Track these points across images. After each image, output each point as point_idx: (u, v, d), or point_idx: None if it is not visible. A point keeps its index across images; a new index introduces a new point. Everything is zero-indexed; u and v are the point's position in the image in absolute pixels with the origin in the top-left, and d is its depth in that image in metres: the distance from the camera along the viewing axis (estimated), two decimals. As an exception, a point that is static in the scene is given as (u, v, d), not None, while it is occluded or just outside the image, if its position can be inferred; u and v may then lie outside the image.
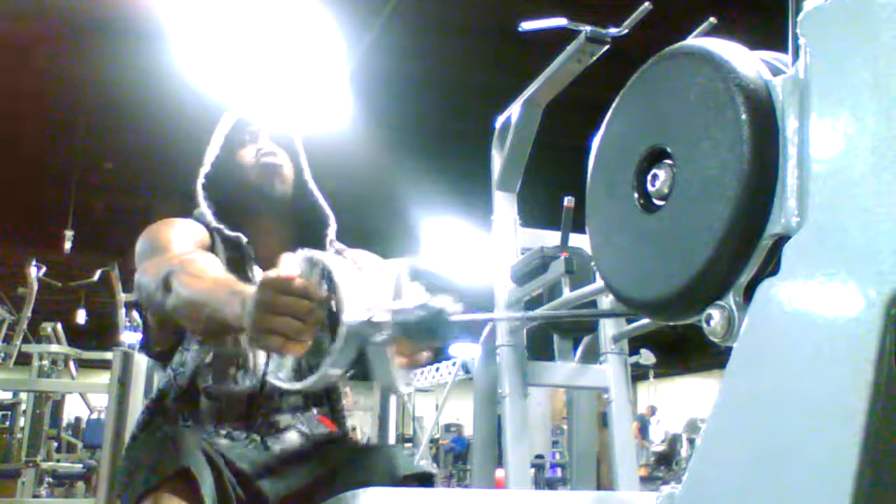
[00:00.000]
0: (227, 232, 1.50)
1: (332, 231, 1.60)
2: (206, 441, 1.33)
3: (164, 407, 1.48)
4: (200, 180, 1.56)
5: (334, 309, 0.96)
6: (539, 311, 2.44)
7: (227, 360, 1.46)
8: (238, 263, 1.47)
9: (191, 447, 1.24)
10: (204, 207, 1.52)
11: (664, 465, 12.26)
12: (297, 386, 1.02)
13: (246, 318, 0.97)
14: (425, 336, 0.96)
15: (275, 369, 1.07)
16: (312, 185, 1.62)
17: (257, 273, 1.47)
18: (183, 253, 1.37)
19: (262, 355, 1.45)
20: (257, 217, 1.55)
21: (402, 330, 0.95)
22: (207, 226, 1.51)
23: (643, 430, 12.82)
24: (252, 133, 1.58)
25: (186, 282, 1.18)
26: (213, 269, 1.25)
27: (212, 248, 1.47)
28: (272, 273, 0.97)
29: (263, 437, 1.45)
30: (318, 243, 1.55)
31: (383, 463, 1.39)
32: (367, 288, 0.99)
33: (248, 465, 1.38)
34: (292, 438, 1.48)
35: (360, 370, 1.01)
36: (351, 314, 0.94)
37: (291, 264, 1.01)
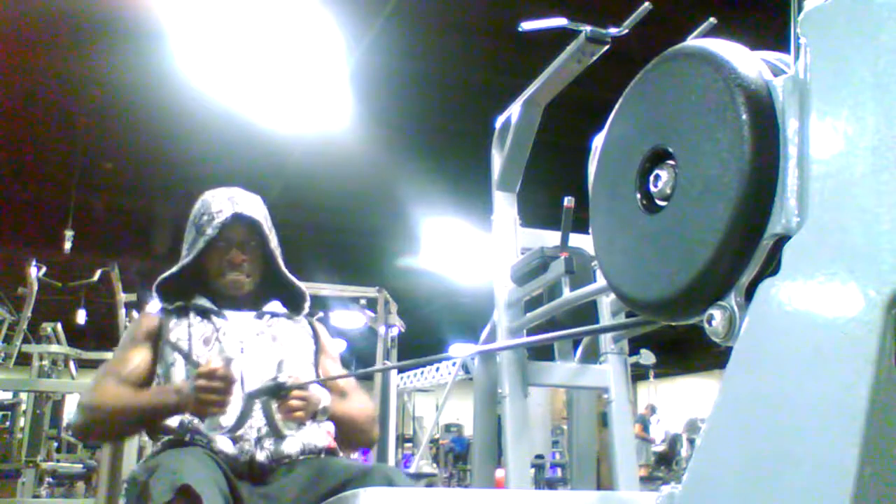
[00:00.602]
0: (198, 302, 1.83)
1: (306, 305, 1.92)
2: (206, 454, 1.54)
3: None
4: (159, 280, 1.85)
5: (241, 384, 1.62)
6: (538, 338, 2.43)
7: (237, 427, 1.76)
8: (201, 315, 1.81)
9: (197, 467, 1.41)
10: (154, 297, 1.86)
11: (664, 465, 12.25)
12: (225, 434, 1.63)
13: (185, 398, 1.57)
14: (276, 399, 1.59)
15: (210, 425, 1.62)
16: (283, 270, 1.90)
17: (224, 329, 1.79)
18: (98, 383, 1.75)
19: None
20: (228, 298, 1.84)
21: (264, 394, 1.59)
22: (163, 309, 1.85)
23: (645, 430, 12.83)
24: (225, 247, 1.81)
25: (105, 403, 1.68)
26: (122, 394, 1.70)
27: (165, 324, 1.81)
28: (203, 367, 1.56)
29: (260, 438, 1.65)
30: (298, 312, 1.92)
31: (381, 482, 1.50)
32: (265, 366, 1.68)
33: (247, 486, 1.57)
34: (290, 446, 1.66)
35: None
36: (249, 387, 1.63)
37: (214, 360, 1.61)
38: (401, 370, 11.05)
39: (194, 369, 1.62)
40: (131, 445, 3.64)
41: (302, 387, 1.62)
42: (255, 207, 1.84)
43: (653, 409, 13.53)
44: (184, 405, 1.58)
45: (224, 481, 1.46)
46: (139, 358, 1.76)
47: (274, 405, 1.59)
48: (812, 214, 0.60)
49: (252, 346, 1.76)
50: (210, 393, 1.53)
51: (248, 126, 6.23)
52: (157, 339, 1.78)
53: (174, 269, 1.85)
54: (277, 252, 1.88)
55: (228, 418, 1.60)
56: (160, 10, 4.84)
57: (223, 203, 1.81)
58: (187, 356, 1.71)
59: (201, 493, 1.31)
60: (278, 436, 1.63)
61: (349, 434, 1.80)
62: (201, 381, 1.54)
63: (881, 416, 0.52)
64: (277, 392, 1.58)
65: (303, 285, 1.94)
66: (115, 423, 1.71)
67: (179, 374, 1.70)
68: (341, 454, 1.78)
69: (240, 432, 1.63)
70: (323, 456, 1.70)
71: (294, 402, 1.59)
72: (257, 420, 1.65)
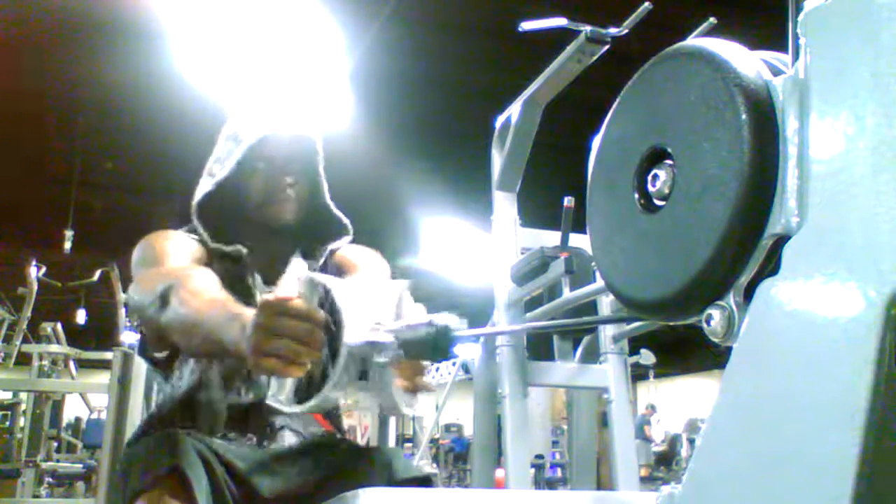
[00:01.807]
0: (225, 248, 1.48)
1: (344, 240, 1.59)
2: (200, 441, 1.32)
3: (161, 417, 1.48)
4: (198, 198, 1.50)
5: (336, 330, 0.95)
6: (542, 323, 2.43)
7: (229, 374, 1.45)
8: (237, 277, 1.45)
9: (184, 447, 1.24)
10: (198, 225, 1.49)
11: (664, 465, 12.26)
12: (297, 409, 1.01)
13: (244, 342, 0.97)
14: (431, 354, 0.96)
15: (275, 391, 1.04)
16: (328, 202, 1.58)
17: (259, 285, 1.46)
18: (180, 268, 1.35)
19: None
20: (262, 234, 1.52)
21: (407, 349, 0.95)
22: (203, 242, 1.49)
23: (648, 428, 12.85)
24: (267, 159, 1.49)
25: (183, 299, 1.17)
26: (211, 288, 1.23)
27: (208, 264, 1.43)
28: (270, 295, 0.97)
29: (259, 438, 1.45)
30: (322, 249, 1.56)
31: (382, 465, 1.39)
32: (368, 308, 0.99)
33: (244, 464, 1.37)
34: (287, 439, 1.48)
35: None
36: (352, 335, 0.94)
37: (291, 285, 1.01)
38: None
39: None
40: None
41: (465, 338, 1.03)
42: (306, 126, 1.53)
43: (653, 409, 13.54)
44: (242, 351, 0.98)
45: (216, 460, 1.29)
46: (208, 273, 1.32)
47: (392, 373, 1.01)
48: (812, 214, 0.60)
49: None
50: (279, 339, 0.93)
51: (248, 126, 6.21)
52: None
53: (209, 186, 1.48)
54: (324, 180, 1.56)
55: (309, 384, 1.00)
56: (160, 10, 4.84)
57: (267, 114, 1.52)
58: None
59: (191, 474, 1.18)
60: (395, 414, 1.18)
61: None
62: (265, 318, 0.94)
63: (881, 416, 0.52)
64: (382, 352, 0.97)
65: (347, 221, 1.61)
66: (189, 334, 1.17)
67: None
68: (338, 436, 1.64)
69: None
70: (322, 434, 1.53)
71: (419, 377, 1.10)
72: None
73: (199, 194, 1.50)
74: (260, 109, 1.53)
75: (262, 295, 1.03)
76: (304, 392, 1.00)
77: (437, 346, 0.94)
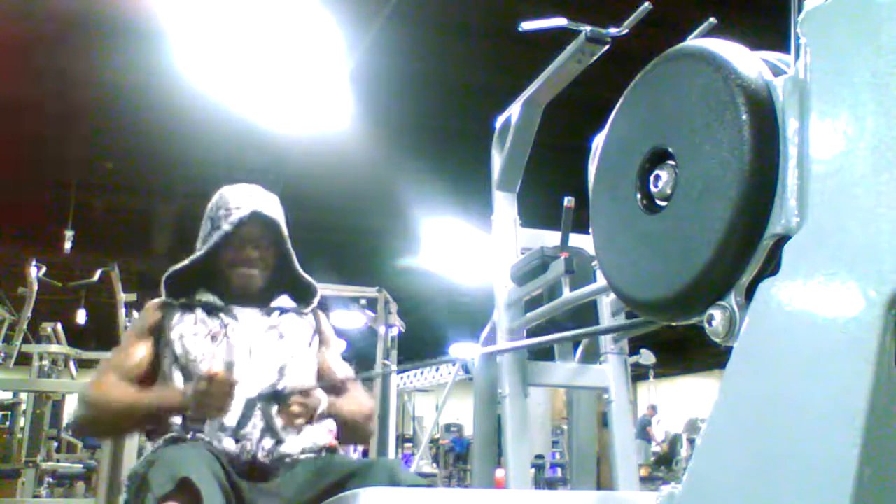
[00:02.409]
0: (204, 298, 1.81)
1: (316, 300, 1.94)
2: (207, 450, 1.52)
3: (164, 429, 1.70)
4: (169, 272, 1.83)
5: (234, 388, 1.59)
6: (538, 340, 2.43)
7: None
8: (215, 315, 1.80)
9: (196, 461, 1.40)
10: (162, 291, 1.84)
11: (664, 465, 12.25)
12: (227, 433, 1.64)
13: (188, 400, 1.59)
14: (277, 404, 1.65)
15: (212, 427, 1.63)
16: (298, 269, 1.91)
17: (232, 325, 1.78)
18: (101, 381, 1.74)
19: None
20: (238, 293, 1.84)
21: (263, 400, 1.65)
22: (169, 303, 1.83)
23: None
24: (240, 244, 1.81)
25: (110, 398, 1.69)
26: (125, 390, 1.71)
27: (168, 319, 1.79)
28: (205, 371, 1.58)
29: (259, 439, 1.65)
30: (306, 306, 1.92)
31: (384, 477, 1.51)
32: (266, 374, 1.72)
33: (247, 483, 1.57)
34: (289, 447, 1.66)
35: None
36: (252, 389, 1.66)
37: (217, 363, 1.66)
38: (400, 370, 11.05)
39: (192, 375, 1.65)
40: (131, 445, 3.64)
41: (301, 392, 1.65)
42: (273, 207, 1.85)
43: (654, 409, 13.53)
44: (185, 407, 1.61)
45: (224, 476, 1.46)
46: (141, 353, 1.77)
47: (274, 410, 1.64)
48: (812, 214, 0.60)
49: (259, 345, 1.76)
50: (211, 397, 1.56)
51: (248, 126, 6.23)
52: (158, 334, 1.79)
53: (185, 261, 1.83)
54: (292, 253, 1.89)
55: (230, 420, 1.63)
56: (160, 10, 4.84)
57: (242, 199, 1.81)
58: (183, 368, 1.72)
59: (201, 486, 1.31)
60: (277, 438, 1.65)
61: (347, 433, 1.81)
62: (202, 385, 1.56)
63: (881, 416, 0.52)
64: (277, 399, 1.64)
65: (313, 282, 1.96)
66: (116, 422, 1.73)
67: (179, 376, 1.71)
68: (341, 451, 1.79)
69: (242, 431, 1.63)
70: (324, 454, 1.70)
71: (294, 409, 1.63)
72: (259, 421, 1.65)
73: (172, 268, 1.84)
74: (237, 197, 1.83)
75: (202, 371, 1.62)
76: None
77: (271, 400, 1.65)
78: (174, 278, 1.84)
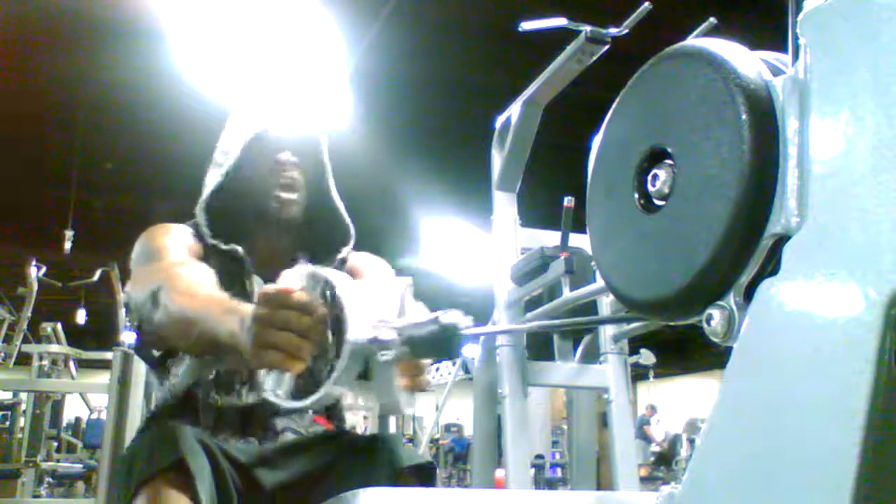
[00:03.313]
0: (223, 246, 1.45)
1: (348, 247, 1.56)
2: (203, 434, 1.33)
3: (160, 416, 1.47)
4: (208, 192, 1.48)
5: (339, 325, 0.93)
6: (547, 322, 2.43)
7: (228, 374, 1.44)
8: (235, 276, 1.42)
9: (188, 440, 1.23)
10: (201, 220, 1.47)
11: (664, 465, 12.25)
12: (297, 404, 0.98)
13: (244, 335, 0.95)
14: (437, 352, 0.94)
15: (274, 386, 1.00)
16: (335, 197, 1.56)
17: (257, 285, 1.43)
18: (174, 264, 1.33)
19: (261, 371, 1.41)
20: (264, 231, 1.50)
21: (413, 347, 0.93)
22: (202, 238, 1.47)
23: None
24: (272, 148, 1.47)
25: (175, 298, 1.16)
26: (205, 284, 1.23)
27: (206, 260, 1.41)
28: (271, 287, 0.95)
29: (260, 441, 1.45)
30: (331, 256, 1.53)
31: (384, 453, 1.38)
32: (371, 305, 0.96)
33: (246, 457, 1.38)
34: (288, 439, 1.48)
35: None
36: (355, 331, 0.91)
37: (292, 278, 0.98)
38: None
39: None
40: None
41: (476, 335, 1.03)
42: (310, 119, 1.52)
43: (654, 409, 13.53)
44: (238, 344, 0.99)
45: (219, 452, 1.29)
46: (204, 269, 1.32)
47: (395, 372, 0.98)
48: (812, 214, 0.60)
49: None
50: (280, 331, 0.91)
51: (248, 126, 6.21)
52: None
53: (218, 178, 1.45)
54: (331, 176, 1.53)
55: (309, 380, 0.98)
56: (160, 10, 4.84)
57: (270, 105, 1.52)
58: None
59: (194, 467, 1.17)
60: (396, 413, 1.18)
61: None
62: (266, 310, 0.93)
63: (881, 416, 0.52)
64: (385, 349, 0.93)
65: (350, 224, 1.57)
66: (186, 332, 1.16)
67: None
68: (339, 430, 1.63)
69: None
70: (321, 433, 1.52)
71: (418, 376, 1.04)
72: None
73: (209, 186, 1.48)
74: (265, 101, 1.52)
75: (263, 287, 0.98)
76: (303, 388, 0.97)
77: (443, 344, 0.92)
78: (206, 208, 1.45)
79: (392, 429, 2.24)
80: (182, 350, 1.40)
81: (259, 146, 1.46)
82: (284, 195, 1.45)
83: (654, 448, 12.73)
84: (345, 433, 1.57)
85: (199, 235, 1.47)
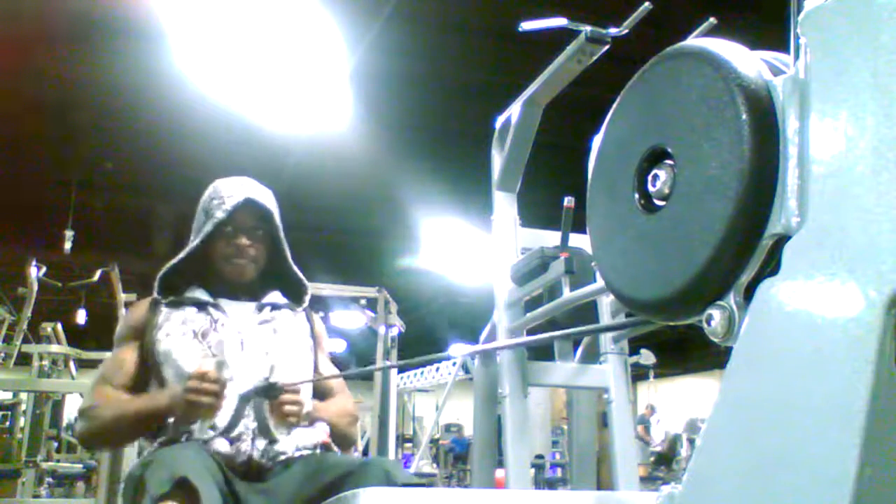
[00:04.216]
0: (191, 297, 1.80)
1: (307, 297, 1.93)
2: (202, 450, 1.51)
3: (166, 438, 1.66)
4: (164, 269, 1.82)
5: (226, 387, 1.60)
6: (537, 337, 2.43)
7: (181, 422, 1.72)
8: (205, 310, 1.78)
9: (195, 461, 1.39)
10: (155, 290, 1.82)
11: (664, 465, 12.24)
12: (218, 433, 1.61)
13: (177, 400, 1.58)
14: (265, 397, 1.62)
15: (202, 427, 1.60)
16: (289, 262, 1.90)
17: (221, 321, 1.77)
18: (100, 387, 1.75)
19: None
20: (230, 286, 1.84)
21: (257, 394, 1.62)
22: (157, 302, 1.82)
23: (647, 431, 12.82)
24: (236, 224, 1.80)
25: (104, 409, 1.69)
26: (119, 397, 1.72)
27: (156, 317, 1.78)
28: (195, 370, 1.57)
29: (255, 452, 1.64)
30: (298, 304, 1.92)
31: (379, 476, 1.48)
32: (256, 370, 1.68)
33: (240, 481, 1.54)
34: (285, 444, 1.64)
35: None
36: (239, 390, 1.64)
37: (207, 364, 1.59)
38: (401, 370, 11.05)
39: (181, 375, 1.63)
40: (131, 445, 3.63)
41: (294, 389, 1.63)
42: (266, 197, 1.84)
43: (653, 409, 13.52)
44: (175, 408, 1.60)
45: (221, 477, 1.45)
46: (128, 359, 1.76)
47: (266, 407, 1.62)
48: (812, 214, 0.60)
49: (252, 338, 1.75)
50: (201, 395, 1.54)
51: (249, 126, 6.23)
52: (143, 334, 1.77)
53: (180, 255, 1.82)
54: (285, 245, 1.88)
55: (222, 419, 1.61)
56: (160, 10, 4.84)
57: (234, 189, 1.81)
58: (172, 368, 1.69)
59: (198, 486, 1.30)
60: (270, 438, 1.62)
61: (331, 437, 1.79)
62: (192, 384, 1.55)
63: (881, 416, 0.52)
64: (269, 393, 1.60)
65: (304, 279, 1.95)
66: (114, 430, 1.71)
67: (170, 376, 1.70)
68: (336, 449, 1.78)
69: (235, 432, 1.61)
70: (318, 451, 1.69)
71: (286, 407, 1.61)
72: (251, 422, 1.64)
73: (167, 266, 1.83)
74: (230, 186, 1.82)
75: (191, 372, 1.59)
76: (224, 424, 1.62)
77: (264, 393, 1.61)
78: (167, 276, 1.82)
79: (392, 429, 2.24)
80: (116, 443, 2.19)
81: (221, 227, 1.79)
82: (239, 262, 1.81)
83: (655, 448, 12.72)
84: (338, 457, 1.71)
85: (156, 300, 1.83)
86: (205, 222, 1.79)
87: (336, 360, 2.08)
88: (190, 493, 1.29)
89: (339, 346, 10.13)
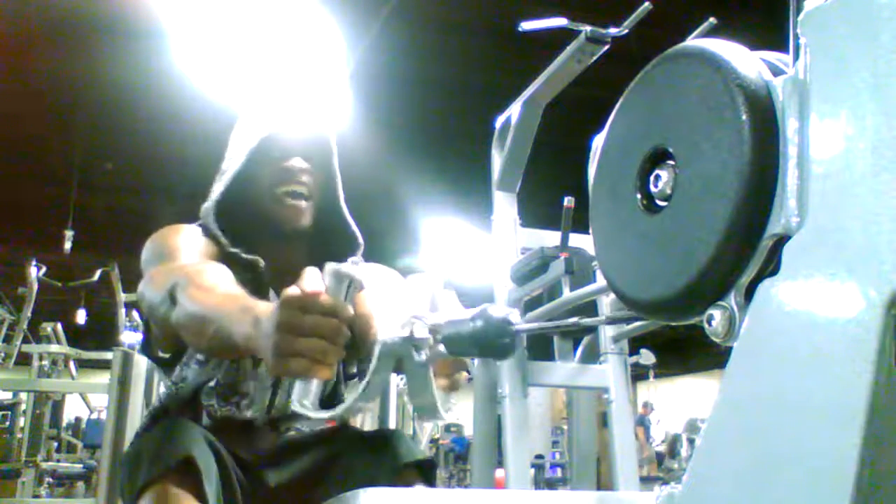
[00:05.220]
0: (244, 256, 1.40)
1: (358, 255, 1.51)
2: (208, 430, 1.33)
3: (166, 411, 1.47)
4: (213, 200, 1.44)
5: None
6: (553, 323, 2.43)
7: (233, 384, 1.42)
8: (252, 288, 1.29)
9: (195, 437, 1.23)
10: (214, 229, 1.42)
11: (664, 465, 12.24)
12: (325, 415, 0.90)
13: (262, 340, 0.88)
14: (481, 350, 0.84)
15: (300, 395, 0.90)
16: (343, 206, 1.52)
17: (272, 297, 1.38)
18: (190, 263, 1.28)
19: (268, 382, 1.40)
20: (273, 240, 1.46)
21: (451, 345, 0.85)
22: (218, 244, 1.42)
23: (646, 431, 12.80)
24: (281, 154, 1.42)
25: (192, 295, 1.10)
26: (224, 282, 1.16)
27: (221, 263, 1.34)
28: (294, 290, 0.86)
29: (260, 451, 1.45)
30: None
31: (385, 448, 1.37)
32: (403, 302, 0.90)
33: (250, 455, 1.40)
34: (291, 436, 1.50)
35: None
36: (387, 331, 0.84)
37: (315, 278, 0.88)
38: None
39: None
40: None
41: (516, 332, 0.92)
42: (320, 120, 1.47)
43: (650, 408, 13.49)
44: (259, 350, 0.92)
45: (222, 450, 1.30)
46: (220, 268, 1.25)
47: (428, 370, 0.89)
48: (812, 214, 0.60)
49: None
50: (304, 338, 0.84)
51: (248, 126, 6.22)
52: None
53: (220, 188, 1.41)
54: (340, 180, 1.49)
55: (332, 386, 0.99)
56: (160, 10, 4.84)
57: (279, 110, 1.47)
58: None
59: (199, 462, 1.17)
60: (434, 418, 0.98)
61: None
62: (290, 316, 0.85)
63: (881, 416, 0.52)
64: (431, 352, 0.87)
65: (359, 233, 1.54)
66: (202, 331, 1.09)
67: None
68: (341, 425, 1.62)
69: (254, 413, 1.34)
70: (326, 426, 1.52)
71: (453, 363, 1.00)
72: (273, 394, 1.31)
73: (215, 193, 1.44)
74: (272, 104, 1.47)
75: (286, 290, 0.88)
76: (329, 394, 0.90)
77: (489, 342, 0.83)
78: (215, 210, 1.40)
79: (392, 425, 2.24)
80: (197, 350, 1.36)
81: (267, 152, 1.41)
82: (294, 203, 1.40)
83: (658, 447, 12.72)
84: (347, 428, 1.57)
85: (213, 240, 1.42)
86: (242, 145, 1.41)
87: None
88: (191, 470, 1.16)
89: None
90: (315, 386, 0.90)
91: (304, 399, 0.90)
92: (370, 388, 0.85)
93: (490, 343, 0.83)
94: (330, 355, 0.84)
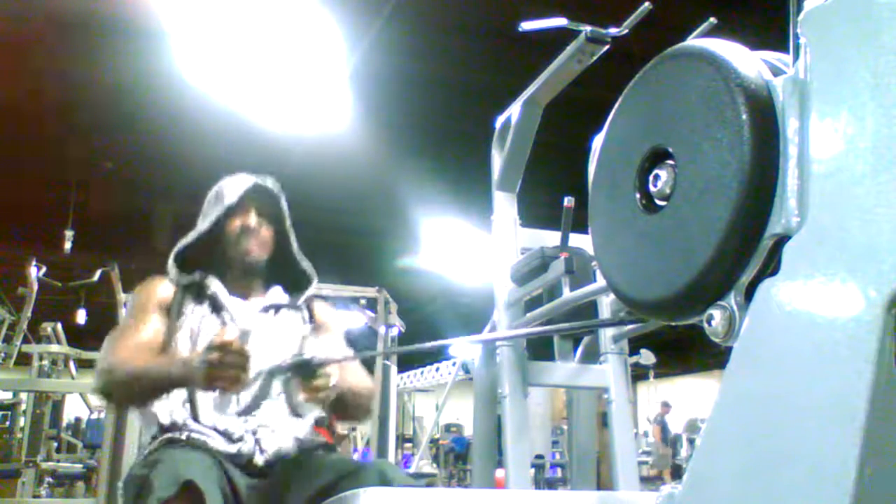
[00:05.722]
0: (187, 278, 1.79)
1: (312, 289, 1.91)
2: (207, 452, 1.51)
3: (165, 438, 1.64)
4: (177, 247, 1.80)
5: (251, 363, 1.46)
6: (538, 329, 2.43)
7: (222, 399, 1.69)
8: (212, 300, 1.77)
9: (198, 463, 1.40)
10: (171, 267, 1.79)
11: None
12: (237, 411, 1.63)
13: (194, 371, 1.43)
14: (298, 376, 1.49)
15: (221, 405, 1.59)
16: (295, 252, 1.89)
17: (231, 311, 1.76)
18: (121, 347, 1.65)
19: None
20: (237, 271, 1.82)
21: (290, 372, 1.50)
22: (176, 283, 1.79)
23: (664, 432, 12.71)
24: (244, 210, 1.80)
25: (123, 365, 1.58)
26: (140, 357, 1.62)
27: (178, 302, 1.76)
28: (218, 339, 1.43)
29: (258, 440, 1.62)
30: (297, 294, 1.89)
31: (374, 479, 1.48)
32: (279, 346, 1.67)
33: (248, 479, 1.55)
34: (281, 442, 1.64)
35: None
36: (265, 364, 1.53)
37: (230, 333, 1.50)
38: (401, 369, 11.05)
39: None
40: (131, 445, 3.64)
41: (326, 364, 1.50)
42: (273, 184, 1.86)
43: (668, 407, 13.37)
44: (193, 379, 1.46)
45: (224, 479, 1.46)
46: (154, 327, 1.70)
47: (295, 384, 1.53)
48: (812, 214, 0.60)
49: (258, 334, 1.70)
50: (223, 368, 1.40)
51: (249, 126, 6.23)
52: (168, 312, 1.74)
53: (191, 236, 1.79)
54: (292, 232, 1.87)
55: (244, 397, 1.58)
56: (160, 10, 4.84)
57: (244, 179, 1.83)
58: (195, 345, 1.66)
59: (205, 489, 1.30)
60: (297, 415, 1.63)
61: (348, 407, 1.71)
62: (214, 355, 1.40)
63: (881, 416, 0.52)
64: (304, 370, 1.47)
65: (311, 270, 1.92)
66: (130, 388, 1.59)
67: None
68: (339, 449, 1.78)
69: (237, 433, 1.59)
70: (320, 451, 1.68)
71: (321, 381, 1.48)
72: (269, 406, 1.62)
73: (179, 245, 1.80)
74: (238, 177, 1.84)
75: (213, 338, 1.45)
76: (250, 405, 1.63)
77: (298, 371, 1.48)
78: (182, 255, 1.79)
79: (392, 430, 2.24)
80: (128, 402, 1.89)
81: (231, 212, 1.79)
82: (250, 242, 1.79)
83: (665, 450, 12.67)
84: (337, 456, 1.73)
85: (172, 282, 1.80)
86: (215, 206, 1.80)
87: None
88: (195, 496, 1.29)
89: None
90: (234, 398, 1.62)
91: (225, 407, 1.60)
92: (260, 394, 1.65)
93: (298, 372, 1.50)
94: (240, 378, 1.44)
